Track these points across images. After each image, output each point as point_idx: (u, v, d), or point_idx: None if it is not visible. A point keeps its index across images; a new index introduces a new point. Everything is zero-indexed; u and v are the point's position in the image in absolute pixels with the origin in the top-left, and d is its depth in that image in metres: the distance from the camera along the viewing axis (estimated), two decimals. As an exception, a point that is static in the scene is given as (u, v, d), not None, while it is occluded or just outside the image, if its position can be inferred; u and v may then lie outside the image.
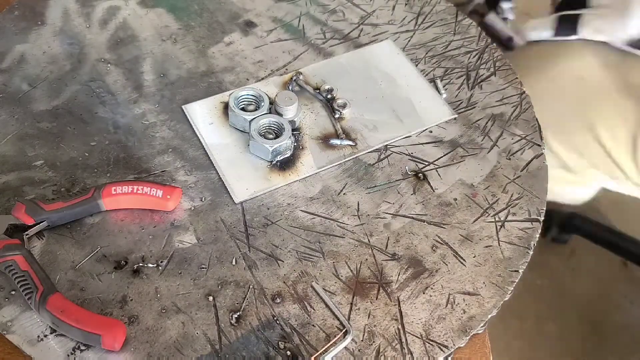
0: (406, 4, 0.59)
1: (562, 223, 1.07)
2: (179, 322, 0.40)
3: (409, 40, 0.58)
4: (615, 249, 1.04)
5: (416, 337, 0.40)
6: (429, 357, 0.39)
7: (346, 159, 0.49)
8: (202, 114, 0.50)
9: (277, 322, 0.40)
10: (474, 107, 0.53)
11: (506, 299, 0.42)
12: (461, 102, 0.54)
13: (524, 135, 0.52)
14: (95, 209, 0.43)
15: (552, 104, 0.75)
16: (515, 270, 0.43)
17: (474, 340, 0.42)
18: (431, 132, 0.51)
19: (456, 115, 0.52)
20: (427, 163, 0.49)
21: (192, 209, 0.45)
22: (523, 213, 0.47)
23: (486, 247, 0.44)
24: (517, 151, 0.51)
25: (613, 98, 0.73)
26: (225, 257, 0.43)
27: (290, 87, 0.52)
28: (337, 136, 0.50)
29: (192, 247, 0.43)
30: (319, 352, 0.39)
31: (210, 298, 0.41)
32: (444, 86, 0.54)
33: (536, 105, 0.54)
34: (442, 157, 0.50)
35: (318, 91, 0.52)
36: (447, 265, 0.43)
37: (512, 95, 0.55)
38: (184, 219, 0.44)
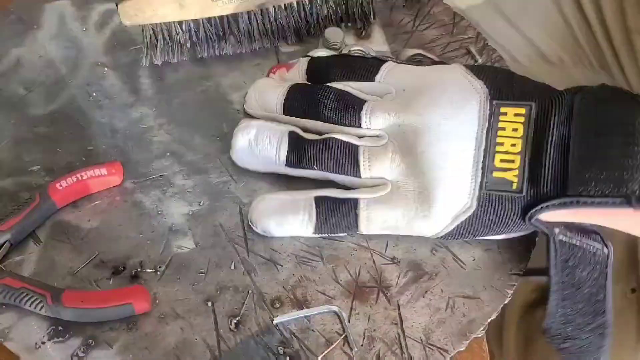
0: (404, 6, 0.59)
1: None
2: (177, 328, 0.39)
3: (406, 42, 0.58)
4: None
5: (416, 341, 0.40)
6: (429, 362, 0.39)
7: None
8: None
9: (277, 327, 0.40)
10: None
11: (506, 302, 0.42)
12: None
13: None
14: (52, 209, 0.43)
15: None
16: (515, 274, 0.43)
17: (472, 345, 0.42)
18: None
19: None
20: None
21: (190, 213, 0.45)
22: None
23: (486, 250, 0.44)
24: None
25: None
26: (224, 262, 0.42)
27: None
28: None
29: (191, 252, 0.43)
30: (320, 358, 0.38)
31: (209, 303, 0.41)
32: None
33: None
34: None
35: None
36: (446, 268, 0.43)
37: (510, 97, 0.55)
38: (182, 223, 0.44)
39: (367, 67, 0.44)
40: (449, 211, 0.39)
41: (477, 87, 0.40)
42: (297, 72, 0.47)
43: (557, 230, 0.38)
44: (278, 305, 0.41)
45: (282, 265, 0.42)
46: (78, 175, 0.44)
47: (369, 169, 0.41)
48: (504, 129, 0.38)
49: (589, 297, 0.39)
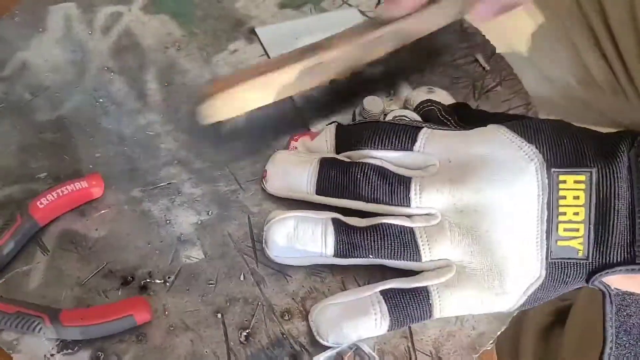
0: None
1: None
2: (187, 340, 0.39)
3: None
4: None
5: (426, 354, 0.40)
6: (439, 376, 0.39)
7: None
8: None
9: (287, 339, 0.40)
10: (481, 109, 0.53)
11: (514, 314, 0.42)
12: (468, 113, 0.53)
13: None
14: (34, 228, 0.42)
15: None
16: (525, 287, 0.43)
17: (482, 358, 0.42)
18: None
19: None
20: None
21: (199, 223, 0.44)
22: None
23: (495, 262, 0.44)
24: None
25: None
26: (233, 272, 0.42)
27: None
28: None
29: (200, 263, 0.43)
30: (330, 371, 0.38)
31: (219, 315, 0.40)
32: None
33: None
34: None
35: None
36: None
37: (518, 106, 0.55)
38: (191, 233, 0.44)
39: (403, 136, 0.41)
40: (520, 286, 0.38)
41: (530, 153, 0.38)
42: (323, 141, 0.44)
43: (613, 287, 0.39)
44: (288, 317, 0.41)
45: (291, 277, 0.42)
46: (58, 190, 0.42)
47: (429, 252, 0.39)
48: (564, 197, 0.37)
49: None
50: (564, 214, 0.37)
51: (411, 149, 0.41)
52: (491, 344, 0.41)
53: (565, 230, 0.37)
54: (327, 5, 0.60)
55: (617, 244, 0.37)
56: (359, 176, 0.41)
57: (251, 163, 0.47)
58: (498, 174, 0.38)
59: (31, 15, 0.55)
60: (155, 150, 0.48)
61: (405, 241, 0.39)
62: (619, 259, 0.37)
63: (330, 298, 0.40)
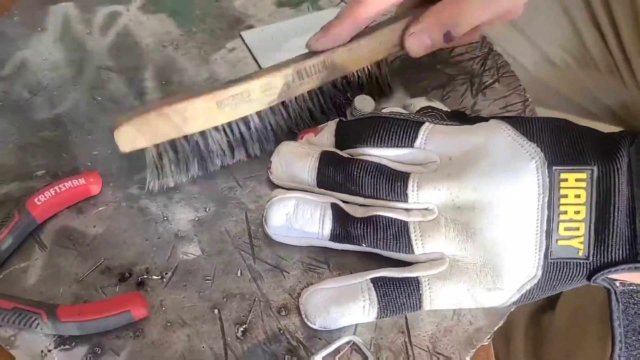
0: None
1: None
2: (184, 336, 0.39)
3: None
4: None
5: (423, 349, 0.40)
6: (436, 371, 0.39)
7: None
8: None
9: (283, 335, 0.40)
10: (478, 115, 0.53)
11: (512, 310, 0.42)
12: (465, 110, 0.53)
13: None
14: (32, 225, 0.42)
15: None
16: (522, 282, 0.43)
17: (479, 353, 0.42)
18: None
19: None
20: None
21: (197, 219, 0.44)
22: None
23: (492, 258, 0.44)
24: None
25: None
26: (230, 268, 0.42)
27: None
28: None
29: (197, 259, 0.43)
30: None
31: (216, 311, 0.40)
32: (446, 94, 0.54)
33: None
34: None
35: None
36: (453, 276, 0.43)
37: (515, 103, 0.55)
38: (188, 230, 0.44)
39: (404, 131, 0.41)
40: (514, 283, 0.38)
41: (531, 151, 0.38)
42: (325, 136, 0.45)
43: (617, 282, 0.38)
44: (284, 313, 0.41)
45: (288, 272, 0.42)
46: (56, 187, 0.43)
47: (422, 246, 0.39)
48: (565, 196, 0.37)
49: None
50: (565, 212, 0.37)
51: (412, 146, 0.41)
52: (488, 339, 0.41)
53: (565, 229, 0.37)
54: (325, 3, 0.60)
55: (617, 242, 0.37)
56: (356, 173, 0.41)
57: (249, 160, 0.48)
58: (498, 172, 0.38)
59: (30, 15, 0.56)
60: (153, 147, 0.48)
61: (398, 234, 0.39)
62: (620, 257, 0.37)
63: (322, 283, 0.41)
